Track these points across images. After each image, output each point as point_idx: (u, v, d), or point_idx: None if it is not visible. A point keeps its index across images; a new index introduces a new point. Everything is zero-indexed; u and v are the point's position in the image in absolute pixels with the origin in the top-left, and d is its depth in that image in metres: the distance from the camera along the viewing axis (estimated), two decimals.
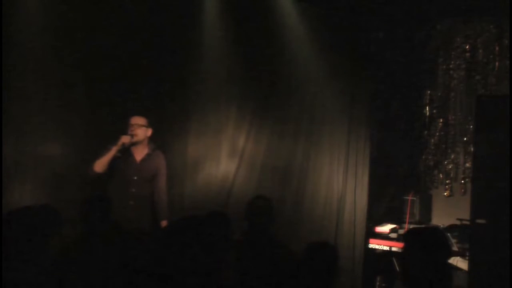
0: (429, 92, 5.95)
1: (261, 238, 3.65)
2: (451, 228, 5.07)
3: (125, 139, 4.63)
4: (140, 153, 4.76)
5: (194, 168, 5.56)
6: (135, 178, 4.65)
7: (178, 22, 5.48)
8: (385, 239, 5.22)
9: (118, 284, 3.11)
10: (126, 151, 4.67)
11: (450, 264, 4.36)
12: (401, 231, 5.21)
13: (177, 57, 5.53)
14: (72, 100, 5.14)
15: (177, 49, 5.51)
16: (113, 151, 4.57)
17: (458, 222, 5.02)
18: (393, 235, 5.26)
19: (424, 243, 2.61)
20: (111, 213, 3.80)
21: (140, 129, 4.72)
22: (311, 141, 5.66)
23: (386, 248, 5.15)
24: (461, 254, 4.69)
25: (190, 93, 5.63)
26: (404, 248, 2.71)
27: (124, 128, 4.81)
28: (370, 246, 5.25)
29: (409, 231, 2.83)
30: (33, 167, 4.94)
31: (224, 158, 5.65)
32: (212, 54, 5.56)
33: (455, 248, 4.75)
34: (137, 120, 4.75)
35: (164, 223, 4.64)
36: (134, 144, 4.71)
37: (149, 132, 4.80)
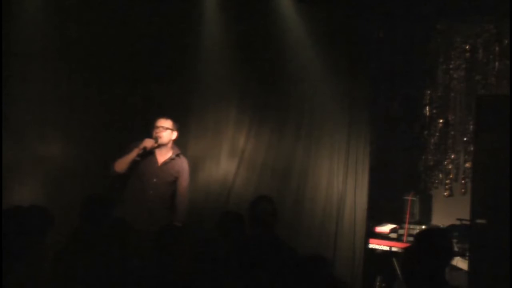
0: (429, 92, 5.95)
1: (265, 239, 3.64)
2: (451, 228, 5.07)
3: (148, 142, 4.52)
4: (163, 156, 4.67)
5: (194, 168, 5.56)
6: (155, 180, 4.58)
7: (178, 23, 5.49)
8: (385, 239, 5.22)
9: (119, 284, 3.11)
10: (149, 153, 4.58)
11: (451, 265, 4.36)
12: (401, 231, 5.21)
13: (177, 57, 5.53)
14: (72, 100, 5.16)
15: (177, 50, 5.52)
16: (134, 153, 4.48)
17: (458, 222, 5.01)
18: (393, 235, 5.25)
19: (435, 244, 2.67)
20: (113, 212, 3.81)
21: (166, 132, 4.63)
22: (311, 141, 5.65)
23: (386, 248, 5.15)
24: (461, 254, 4.68)
25: (190, 94, 5.64)
26: (413, 247, 2.76)
27: (123, 128, 4.81)
28: (370, 246, 5.25)
29: (422, 232, 2.95)
30: (33, 167, 4.95)
31: (224, 158, 5.65)
32: (212, 55, 5.56)
33: (455, 249, 4.75)
34: (163, 123, 4.63)
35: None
36: (158, 146, 4.62)
37: (175, 135, 4.71)
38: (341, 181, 5.55)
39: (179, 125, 4.84)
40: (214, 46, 5.55)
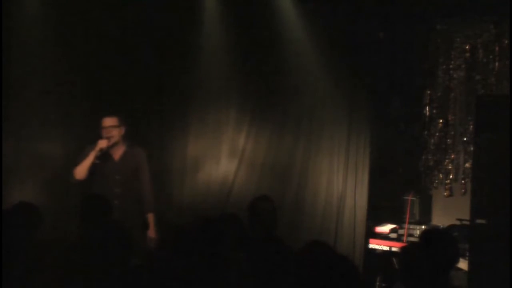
0: (429, 92, 5.94)
1: (265, 239, 3.63)
2: (451, 228, 5.07)
3: (102, 143, 4.51)
4: (117, 152, 4.66)
5: (194, 168, 5.56)
6: (117, 177, 4.56)
7: (178, 23, 5.49)
8: (385, 239, 5.21)
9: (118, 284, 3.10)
10: (104, 153, 4.56)
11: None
12: (401, 231, 5.20)
13: (177, 58, 5.53)
14: (72, 101, 5.16)
15: (178, 50, 5.53)
16: (91, 157, 4.47)
17: (458, 222, 5.01)
18: (393, 235, 5.25)
19: (443, 247, 2.65)
20: (112, 212, 3.81)
21: (114, 130, 4.60)
22: (311, 141, 5.66)
23: (386, 248, 5.15)
24: (461, 254, 4.67)
25: (190, 94, 5.64)
26: (413, 247, 2.74)
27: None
28: (370, 246, 5.25)
29: (428, 233, 2.89)
30: (33, 167, 4.95)
31: (224, 158, 5.66)
32: (212, 55, 5.57)
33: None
34: (109, 122, 4.61)
35: (150, 216, 4.54)
36: (111, 146, 4.61)
37: (122, 130, 4.67)
38: (341, 181, 5.56)
39: (178, 128, 4.83)
40: (214, 47, 5.56)
